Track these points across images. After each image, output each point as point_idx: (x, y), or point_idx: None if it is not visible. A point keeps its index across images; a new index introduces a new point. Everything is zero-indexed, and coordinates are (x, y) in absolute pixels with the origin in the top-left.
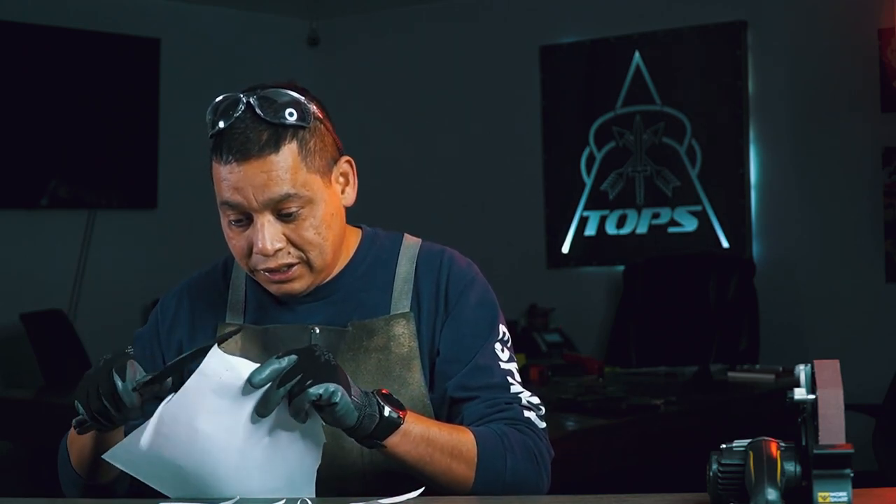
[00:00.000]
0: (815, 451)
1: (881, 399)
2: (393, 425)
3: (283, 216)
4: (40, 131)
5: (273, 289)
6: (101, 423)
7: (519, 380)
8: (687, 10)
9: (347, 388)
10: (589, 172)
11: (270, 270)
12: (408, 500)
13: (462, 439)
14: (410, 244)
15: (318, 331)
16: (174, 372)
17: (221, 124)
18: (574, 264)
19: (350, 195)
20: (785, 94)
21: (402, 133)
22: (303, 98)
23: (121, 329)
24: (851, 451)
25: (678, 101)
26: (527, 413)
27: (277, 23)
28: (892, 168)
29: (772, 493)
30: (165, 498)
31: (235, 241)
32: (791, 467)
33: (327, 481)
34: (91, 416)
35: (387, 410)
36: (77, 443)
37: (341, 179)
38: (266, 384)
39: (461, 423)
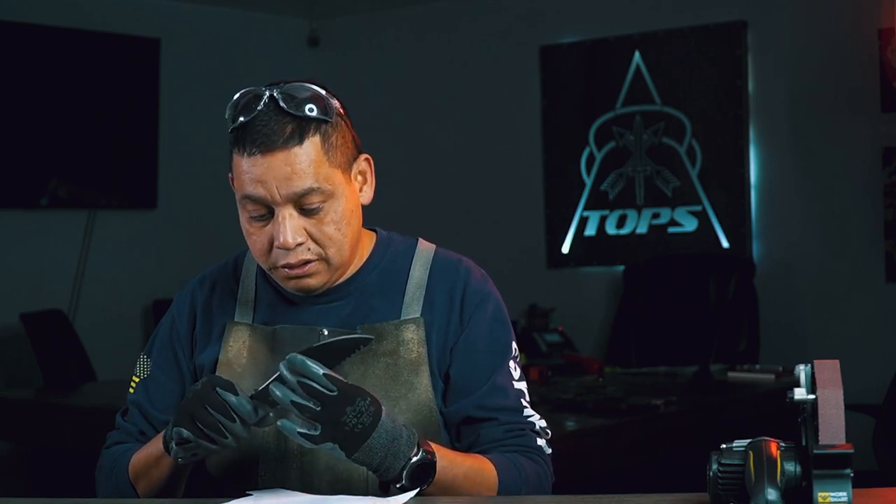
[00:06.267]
0: (815, 451)
1: (881, 399)
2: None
3: (306, 210)
4: (40, 131)
5: (290, 285)
6: (209, 443)
7: (528, 399)
8: (687, 10)
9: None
10: (589, 172)
11: (290, 266)
12: (407, 499)
13: (485, 474)
14: (425, 250)
15: (326, 332)
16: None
17: (243, 118)
18: (574, 264)
19: (367, 194)
20: (785, 94)
21: (401, 133)
22: (324, 93)
23: (121, 329)
24: (851, 451)
25: (678, 101)
26: (538, 441)
27: (277, 23)
28: (892, 168)
29: (772, 493)
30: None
31: (255, 236)
32: (791, 467)
33: (334, 484)
34: (203, 434)
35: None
36: (147, 477)
37: (360, 178)
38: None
39: (476, 442)
